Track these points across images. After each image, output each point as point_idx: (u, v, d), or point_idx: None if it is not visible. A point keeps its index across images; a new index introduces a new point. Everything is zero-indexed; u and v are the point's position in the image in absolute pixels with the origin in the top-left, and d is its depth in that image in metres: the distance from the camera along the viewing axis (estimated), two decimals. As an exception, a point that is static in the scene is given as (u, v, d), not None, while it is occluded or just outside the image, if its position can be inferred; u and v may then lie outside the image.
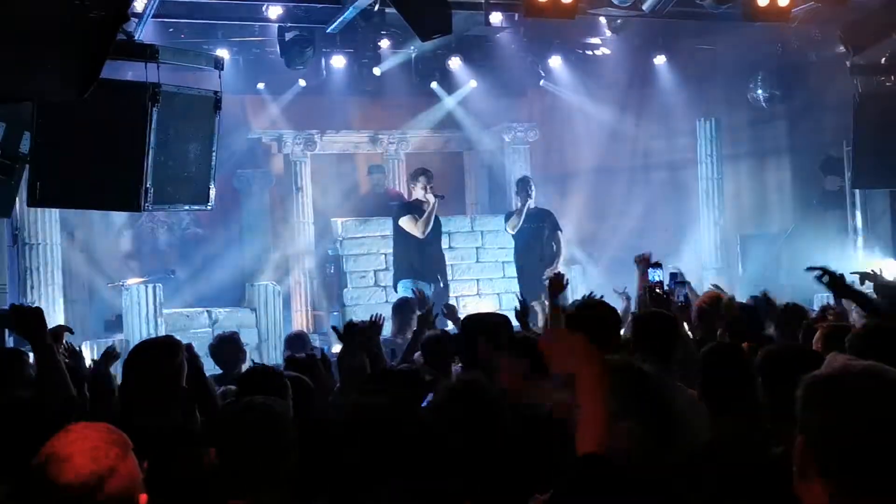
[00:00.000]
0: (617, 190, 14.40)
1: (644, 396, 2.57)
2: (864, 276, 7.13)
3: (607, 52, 13.01)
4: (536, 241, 11.43)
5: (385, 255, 12.44)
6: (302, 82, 12.92)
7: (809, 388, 1.86)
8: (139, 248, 13.93)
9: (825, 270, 5.16)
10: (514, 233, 11.58)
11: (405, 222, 10.88)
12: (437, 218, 11.12)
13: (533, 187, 11.58)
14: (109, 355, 5.78)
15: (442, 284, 11.06)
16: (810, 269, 5.25)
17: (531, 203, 11.47)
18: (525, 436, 2.89)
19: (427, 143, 15.21)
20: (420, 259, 10.86)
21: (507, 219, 11.70)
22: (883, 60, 9.79)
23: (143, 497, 2.44)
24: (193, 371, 4.15)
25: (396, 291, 10.83)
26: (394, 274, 11.26)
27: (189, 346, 4.39)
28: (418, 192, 10.99)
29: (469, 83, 13.39)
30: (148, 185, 6.79)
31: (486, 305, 12.03)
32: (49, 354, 3.85)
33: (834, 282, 5.14)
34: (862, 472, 1.77)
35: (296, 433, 2.96)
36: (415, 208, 10.94)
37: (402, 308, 8.53)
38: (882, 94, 9.75)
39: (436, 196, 10.87)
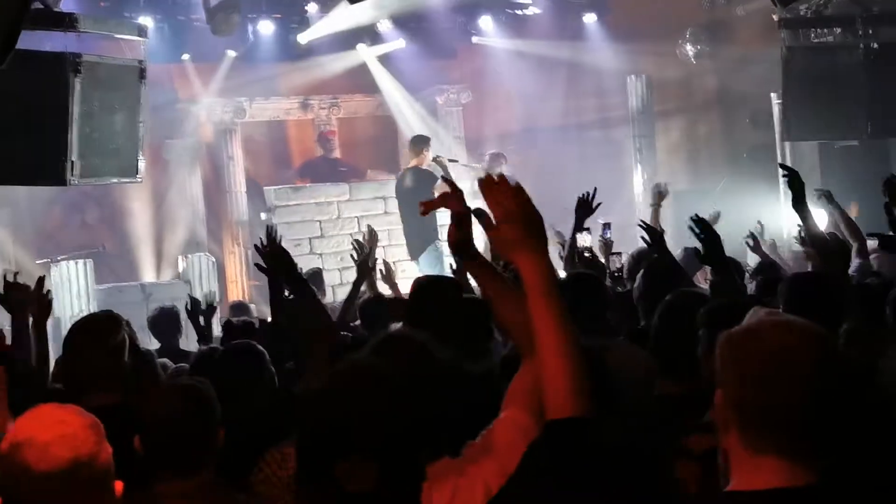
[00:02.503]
0: (550, 149, 14.39)
1: None
2: (822, 194, 7.22)
3: (537, 11, 13.00)
4: None
5: (320, 222, 12.33)
6: (231, 53, 12.72)
7: (725, 343, 1.91)
8: (67, 223, 13.64)
9: (795, 173, 5.24)
10: None
11: (441, 189, 10.96)
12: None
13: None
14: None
15: None
16: (782, 166, 5.30)
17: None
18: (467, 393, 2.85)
19: (359, 108, 15.07)
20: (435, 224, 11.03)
21: None
22: (810, 14, 9.88)
23: (119, 484, 2.31)
24: (133, 348, 4.09)
25: (418, 262, 11.05)
26: (413, 246, 11.44)
27: (126, 323, 4.31)
28: (427, 159, 11.08)
29: (397, 41, 13.29)
30: (73, 159, 6.66)
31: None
32: (25, 330, 4.36)
33: (798, 188, 5.21)
34: (773, 427, 1.81)
35: (220, 414, 2.94)
36: (435, 176, 10.96)
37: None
38: (809, 48, 9.85)
39: (451, 160, 11.04)
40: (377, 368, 2.31)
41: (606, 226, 7.12)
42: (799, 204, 5.26)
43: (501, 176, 2.25)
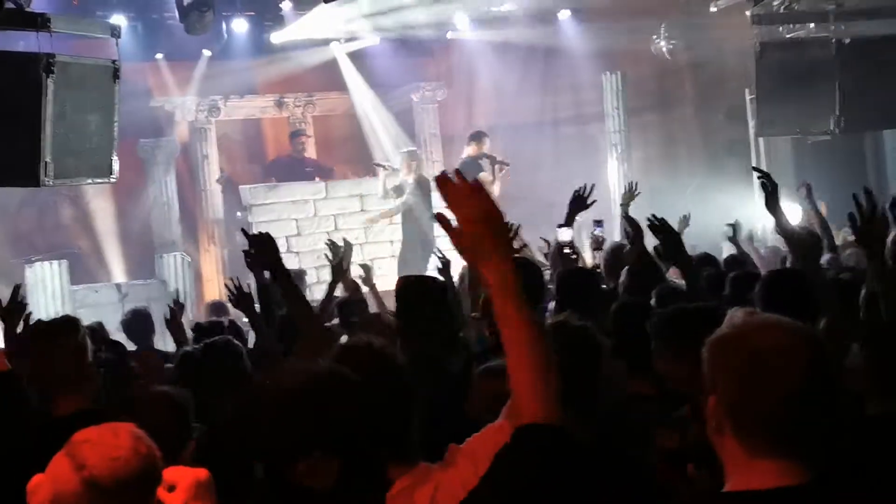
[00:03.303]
0: (526, 146, 14.41)
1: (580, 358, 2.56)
2: (803, 185, 7.27)
3: (512, 8, 13.01)
4: None
5: (296, 220, 12.29)
6: (207, 52, 12.66)
7: (715, 347, 1.91)
8: (42, 223, 13.55)
9: (768, 175, 5.30)
10: None
11: (483, 180, 11.48)
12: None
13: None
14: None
15: None
16: (756, 168, 5.37)
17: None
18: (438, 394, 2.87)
19: (335, 106, 15.03)
20: None
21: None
22: (782, 9, 9.95)
23: None
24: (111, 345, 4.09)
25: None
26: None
27: (99, 326, 4.29)
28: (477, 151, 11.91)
29: (370, 37, 13.28)
30: (47, 159, 6.60)
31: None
32: None
33: (771, 189, 5.27)
34: (768, 428, 1.82)
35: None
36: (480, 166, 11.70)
37: None
38: (782, 43, 9.92)
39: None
40: (335, 368, 2.33)
41: (598, 223, 7.08)
42: (772, 204, 5.31)
43: (459, 174, 2.17)
